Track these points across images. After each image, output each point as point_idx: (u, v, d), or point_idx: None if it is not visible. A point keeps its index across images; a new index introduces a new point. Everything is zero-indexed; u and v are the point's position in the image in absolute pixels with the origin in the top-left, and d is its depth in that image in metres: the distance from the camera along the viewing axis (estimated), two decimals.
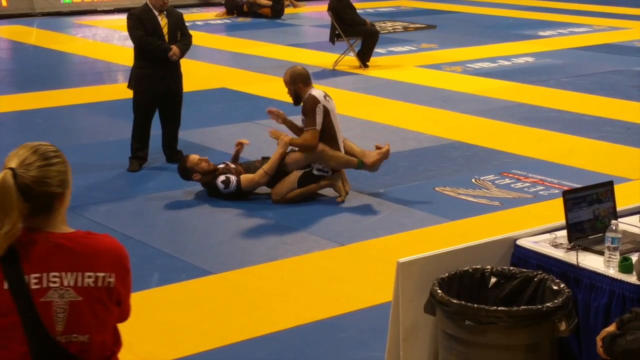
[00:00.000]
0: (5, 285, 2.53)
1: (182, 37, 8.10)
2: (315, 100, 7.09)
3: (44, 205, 2.57)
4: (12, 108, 10.42)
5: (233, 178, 7.08)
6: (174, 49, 7.93)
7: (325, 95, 7.22)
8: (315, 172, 7.18)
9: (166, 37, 7.98)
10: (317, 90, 7.25)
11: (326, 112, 7.13)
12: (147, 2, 8.02)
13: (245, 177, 7.09)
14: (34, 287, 2.54)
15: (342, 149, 7.25)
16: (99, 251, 2.62)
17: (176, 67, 8.11)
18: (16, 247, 2.54)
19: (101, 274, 2.60)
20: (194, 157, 7.25)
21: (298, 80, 7.17)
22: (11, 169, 2.52)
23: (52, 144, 2.63)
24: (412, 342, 3.99)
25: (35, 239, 2.57)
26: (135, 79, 8.12)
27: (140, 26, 7.93)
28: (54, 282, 2.56)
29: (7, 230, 2.50)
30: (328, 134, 7.15)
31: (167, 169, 8.09)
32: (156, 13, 7.98)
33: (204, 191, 7.32)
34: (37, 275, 2.55)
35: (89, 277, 2.59)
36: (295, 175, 7.15)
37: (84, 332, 2.60)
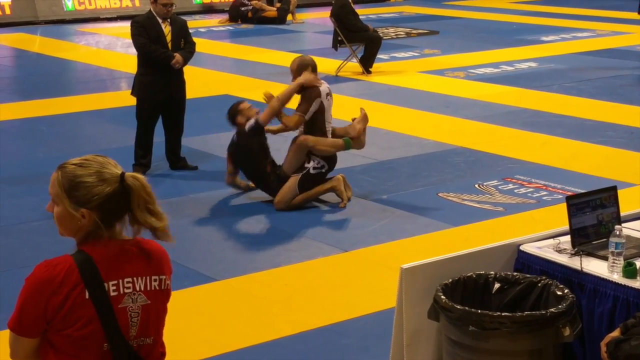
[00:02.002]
0: (87, 295, 2.55)
1: (185, 44, 8.11)
2: (317, 93, 7.28)
3: (126, 210, 2.62)
4: (15, 116, 10.43)
5: (253, 120, 7.24)
6: (177, 56, 7.94)
7: (328, 94, 7.37)
8: (312, 172, 7.21)
9: (169, 44, 7.99)
10: (324, 84, 7.40)
11: (321, 109, 7.28)
12: (151, 9, 8.03)
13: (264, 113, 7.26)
14: (112, 294, 2.58)
15: None
16: (158, 255, 2.70)
17: (179, 74, 8.12)
18: (93, 257, 2.57)
19: (163, 277, 2.68)
20: (246, 103, 7.52)
21: (303, 69, 7.36)
22: (123, 173, 2.58)
23: None
24: (415, 348, 3.98)
25: (109, 246, 2.61)
26: (139, 87, 8.13)
27: (144, 34, 7.95)
28: (128, 288, 2.61)
29: (119, 232, 2.61)
30: (318, 129, 7.29)
31: (171, 176, 8.09)
32: (160, 21, 8.00)
33: (207, 198, 7.32)
34: (114, 282, 2.59)
35: (155, 280, 2.66)
36: (294, 180, 7.16)
37: (150, 334, 2.66)
